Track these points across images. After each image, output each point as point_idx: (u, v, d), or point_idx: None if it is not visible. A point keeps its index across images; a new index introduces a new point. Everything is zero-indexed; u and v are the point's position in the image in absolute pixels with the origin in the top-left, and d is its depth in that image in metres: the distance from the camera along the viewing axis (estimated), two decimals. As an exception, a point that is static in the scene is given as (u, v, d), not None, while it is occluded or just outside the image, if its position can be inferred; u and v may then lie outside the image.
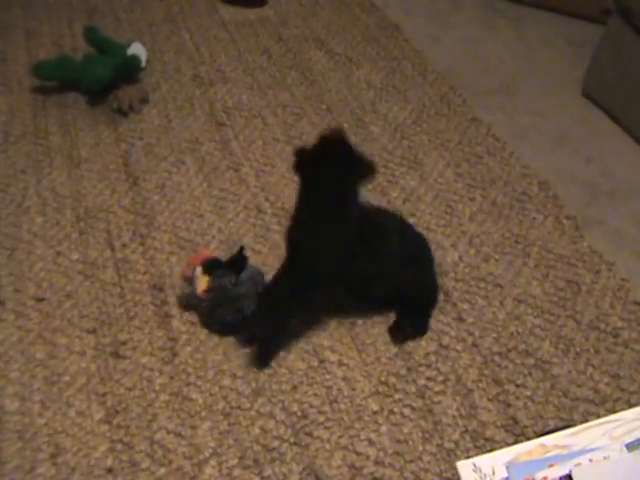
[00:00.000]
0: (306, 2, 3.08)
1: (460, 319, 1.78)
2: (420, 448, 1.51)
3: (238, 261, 1.71)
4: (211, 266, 1.69)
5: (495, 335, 1.74)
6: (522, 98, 2.61)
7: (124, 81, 2.47)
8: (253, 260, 1.80)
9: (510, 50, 2.89)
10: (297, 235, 1.57)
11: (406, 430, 1.54)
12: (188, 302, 1.75)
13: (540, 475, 1.01)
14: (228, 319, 1.67)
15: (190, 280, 1.70)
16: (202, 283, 1.65)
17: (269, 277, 1.71)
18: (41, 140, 2.28)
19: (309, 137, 2.31)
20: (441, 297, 1.82)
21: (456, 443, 1.52)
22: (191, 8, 3.00)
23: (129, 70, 2.50)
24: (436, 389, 1.62)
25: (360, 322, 1.76)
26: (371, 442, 1.52)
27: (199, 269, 1.68)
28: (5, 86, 2.50)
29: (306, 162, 1.48)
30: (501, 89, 2.65)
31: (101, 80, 2.37)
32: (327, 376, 1.64)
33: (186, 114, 2.40)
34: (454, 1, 3.20)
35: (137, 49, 2.57)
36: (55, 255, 1.89)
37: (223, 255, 1.77)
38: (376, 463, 1.48)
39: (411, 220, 2.03)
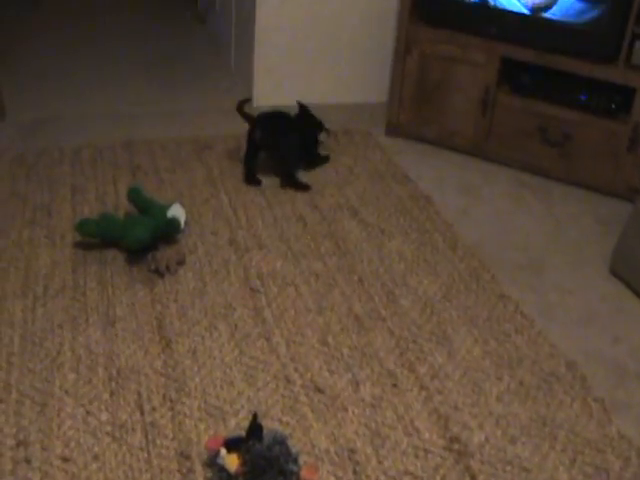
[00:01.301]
0: (341, 171, 3.22)
1: (485, 505, 1.77)
2: None
3: (255, 429, 1.74)
4: (233, 443, 1.71)
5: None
6: (550, 274, 2.67)
7: (163, 242, 2.57)
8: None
9: (538, 225, 2.98)
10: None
11: None
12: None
13: None
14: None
15: (219, 467, 1.71)
16: (232, 462, 1.67)
17: (293, 442, 1.73)
18: (79, 296, 2.35)
19: (340, 308, 2.38)
20: (467, 480, 1.82)
21: None
22: (230, 171, 3.13)
23: (168, 232, 2.60)
24: None
25: None
26: None
27: (223, 450, 1.70)
28: (49, 239, 2.61)
29: None
30: (529, 265, 2.72)
31: (141, 241, 2.47)
32: None
33: (221, 279, 2.48)
34: (485, 175, 3.32)
35: (177, 211, 2.68)
36: (85, 414, 1.92)
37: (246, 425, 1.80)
38: None
39: (438, 398, 2.06)
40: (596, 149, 3.15)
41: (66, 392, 1.99)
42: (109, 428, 1.89)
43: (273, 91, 3.77)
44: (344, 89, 3.90)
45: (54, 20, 4.85)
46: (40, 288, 2.37)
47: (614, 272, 2.69)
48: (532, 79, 3.24)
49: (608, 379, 2.21)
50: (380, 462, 1.86)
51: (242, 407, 1.98)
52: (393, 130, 3.59)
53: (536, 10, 3.08)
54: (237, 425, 1.91)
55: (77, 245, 2.58)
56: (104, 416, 1.92)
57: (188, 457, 1.82)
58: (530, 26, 3.13)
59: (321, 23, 3.71)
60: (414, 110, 3.51)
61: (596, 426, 2.02)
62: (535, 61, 3.15)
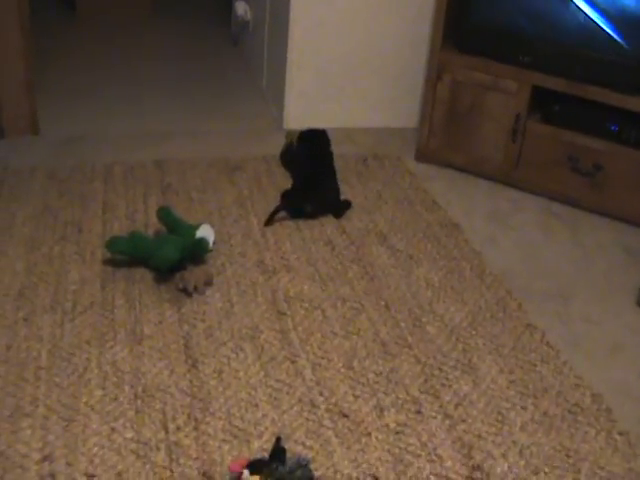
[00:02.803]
0: (370, 196, 3.24)
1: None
2: None
3: (279, 451, 1.76)
4: (256, 465, 1.73)
5: None
6: (577, 304, 2.67)
7: (191, 262, 2.60)
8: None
9: (566, 255, 2.98)
10: None
11: None
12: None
13: None
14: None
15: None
16: (256, 484, 1.69)
17: (315, 466, 1.74)
18: (107, 313, 2.38)
19: (366, 333, 2.39)
20: (489, 510, 1.83)
21: None
22: (260, 192, 3.16)
23: (197, 252, 2.63)
24: None
25: None
26: None
27: (246, 472, 1.72)
28: (79, 255, 2.64)
29: None
30: (556, 294, 2.72)
31: (169, 260, 2.50)
32: None
33: (248, 300, 2.50)
34: (514, 203, 3.32)
35: (206, 231, 2.71)
36: (110, 431, 1.95)
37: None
38: None
39: (462, 426, 2.07)
40: (626, 180, 3.15)
41: (92, 408, 2.02)
42: (133, 446, 1.91)
43: (304, 113, 3.80)
44: (375, 113, 3.93)
45: (88, 38, 4.93)
46: (69, 304, 2.41)
47: (642, 304, 2.69)
48: (563, 108, 3.24)
49: (634, 412, 2.21)
50: (402, 489, 1.87)
51: (266, 429, 2.00)
52: (423, 156, 3.61)
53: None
54: (260, 447, 1.93)
55: (106, 262, 2.61)
56: (129, 433, 1.95)
57: (211, 478, 1.84)
58: (564, 56, 3.14)
59: (354, 47, 3.74)
60: (444, 136, 3.53)
61: (620, 460, 2.02)
62: (567, 90, 3.16)
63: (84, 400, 2.04)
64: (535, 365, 2.33)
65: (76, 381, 2.10)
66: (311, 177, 3.12)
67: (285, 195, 3.08)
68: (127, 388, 2.10)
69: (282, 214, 2.97)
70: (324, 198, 3.07)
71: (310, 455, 1.92)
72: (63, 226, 2.81)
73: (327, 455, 1.94)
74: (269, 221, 2.93)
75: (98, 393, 2.07)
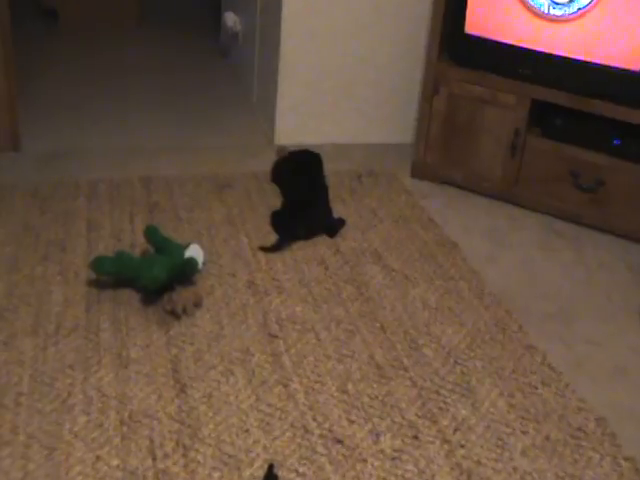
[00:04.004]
0: (365, 214, 3.26)
1: None
2: None
3: (271, 479, 1.78)
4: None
5: None
6: (579, 325, 2.69)
7: (179, 283, 2.61)
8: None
9: (568, 273, 3.00)
10: None
11: None
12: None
13: None
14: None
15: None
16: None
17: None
18: (92, 335, 2.39)
19: (361, 356, 2.41)
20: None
21: None
22: (251, 211, 3.18)
23: (185, 272, 2.64)
24: None
25: None
26: None
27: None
28: (62, 276, 2.65)
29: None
30: (558, 314, 2.74)
31: (157, 280, 2.51)
32: None
33: (239, 322, 2.51)
34: (514, 220, 3.35)
35: (195, 251, 2.72)
36: (95, 459, 1.95)
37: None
38: None
39: (461, 452, 2.08)
40: (629, 195, 3.17)
41: (75, 435, 2.02)
42: (119, 474, 1.91)
43: (296, 129, 3.83)
44: (369, 128, 3.96)
45: (72, 50, 4.95)
46: (52, 326, 2.41)
47: (646, 323, 2.71)
48: (564, 122, 3.27)
49: (639, 437, 2.22)
50: (399, 518, 1.88)
51: (258, 456, 2.00)
52: (419, 172, 3.64)
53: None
54: (252, 475, 1.94)
55: (91, 283, 2.62)
56: (115, 461, 1.95)
57: (200, 507, 1.85)
58: (564, 69, 3.16)
59: (347, 59, 3.77)
60: (441, 152, 3.56)
61: (626, 486, 2.03)
62: (568, 104, 3.19)
63: (67, 427, 2.04)
64: (536, 388, 2.35)
65: (59, 407, 2.11)
66: (302, 199, 3.15)
67: (276, 217, 3.11)
68: (113, 414, 2.10)
69: (274, 235, 3.00)
70: (317, 220, 3.10)
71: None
72: (45, 245, 2.82)
73: (321, 483, 1.95)
74: (266, 250, 2.94)
75: (82, 419, 2.07)
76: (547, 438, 2.16)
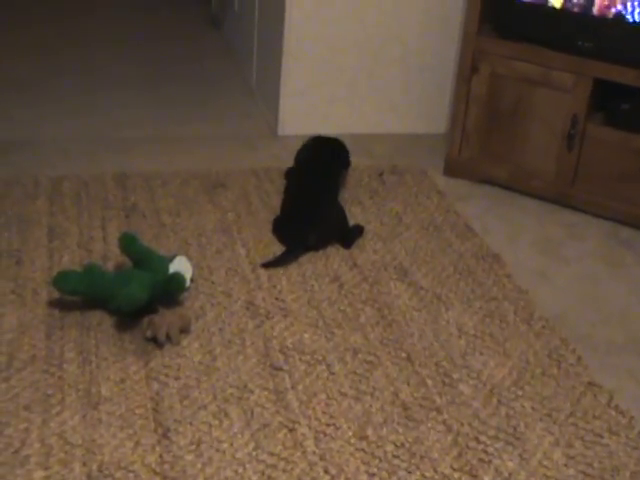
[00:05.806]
0: (388, 220, 3.26)
1: None
2: None
3: None
4: None
5: None
6: (653, 358, 2.69)
7: (162, 303, 2.61)
8: None
9: (638, 293, 2.99)
10: None
11: None
12: None
13: None
14: None
15: None
16: None
17: None
18: (53, 369, 2.38)
19: (383, 394, 2.40)
20: None
21: None
22: (249, 215, 3.18)
23: (170, 291, 2.65)
24: None
25: None
26: None
27: None
28: (17, 295, 2.65)
29: None
30: (627, 345, 2.72)
31: (135, 300, 2.50)
32: None
33: (235, 352, 2.51)
34: (570, 228, 3.35)
35: (181, 265, 2.72)
36: (55, 527, 1.95)
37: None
38: None
39: (507, 513, 2.06)
40: None
41: (31, 496, 2.01)
42: (87, 543, 1.92)
43: (303, 117, 3.83)
44: (393, 116, 3.96)
45: (33, 19, 4.95)
46: (3, 358, 2.40)
47: None
48: (633, 107, 3.26)
49: None
50: None
51: (257, 518, 2.00)
52: (454, 169, 3.64)
53: None
54: (250, 541, 1.94)
55: (53, 304, 2.62)
56: (80, 527, 1.95)
57: None
58: (633, 40, 3.15)
59: (367, 32, 3.77)
60: (481, 144, 3.55)
61: None
62: (637, 84, 3.18)
63: (22, 483, 2.03)
64: (601, 436, 2.33)
65: (9, 459, 2.08)
66: (312, 197, 3.16)
67: (279, 222, 3.12)
68: (78, 467, 2.08)
69: (278, 246, 3.00)
70: (330, 224, 3.10)
71: None
72: (-3, 257, 2.83)
73: None
74: (268, 265, 2.94)
75: (39, 474, 2.05)
76: (614, 500, 2.16)
